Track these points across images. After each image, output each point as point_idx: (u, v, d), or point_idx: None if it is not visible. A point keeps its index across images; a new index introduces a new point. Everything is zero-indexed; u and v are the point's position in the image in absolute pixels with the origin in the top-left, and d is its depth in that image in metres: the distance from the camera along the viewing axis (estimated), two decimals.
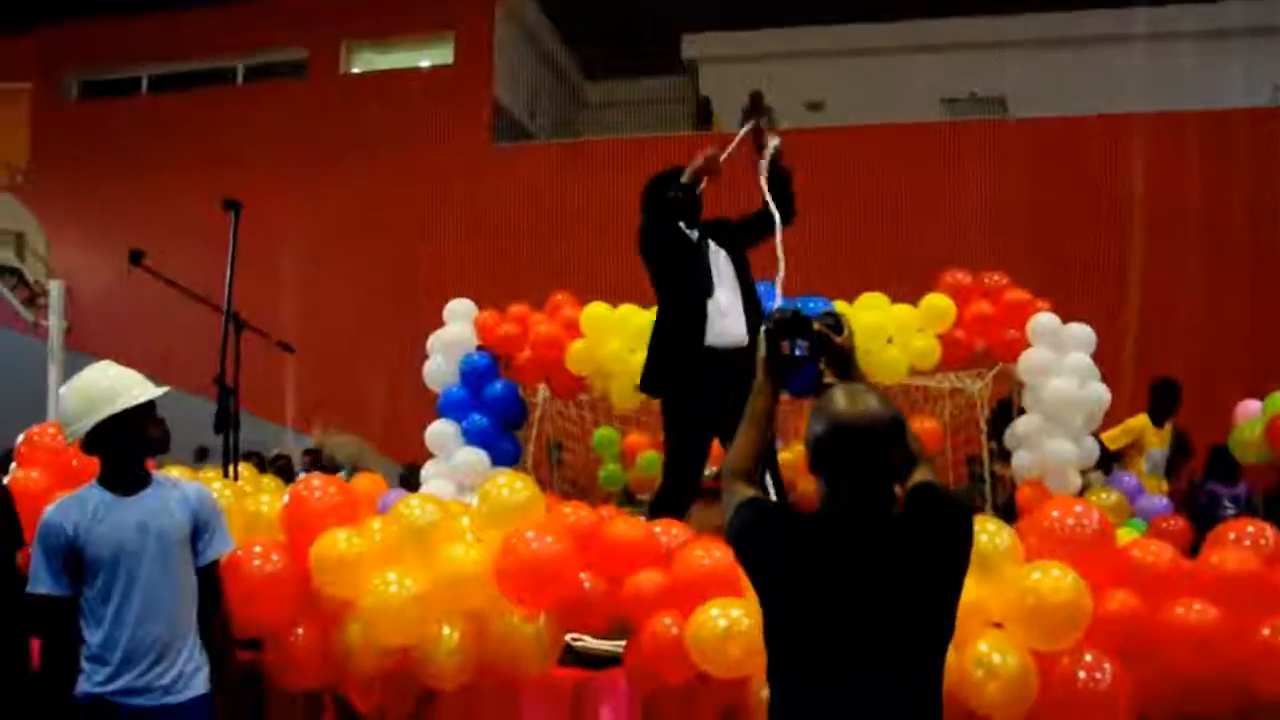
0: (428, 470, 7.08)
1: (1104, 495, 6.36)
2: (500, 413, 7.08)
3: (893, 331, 6.69)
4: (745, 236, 5.11)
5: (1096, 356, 6.54)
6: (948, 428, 7.71)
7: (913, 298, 6.72)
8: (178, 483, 3.29)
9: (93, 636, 3.06)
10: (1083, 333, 6.60)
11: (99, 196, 13.27)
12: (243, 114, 13.29)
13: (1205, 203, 10.33)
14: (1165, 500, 6.56)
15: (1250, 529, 3.52)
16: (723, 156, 4.90)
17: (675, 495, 4.71)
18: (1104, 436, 7.36)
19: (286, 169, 12.63)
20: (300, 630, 3.74)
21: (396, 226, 12.49)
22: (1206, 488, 7.76)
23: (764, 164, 4.99)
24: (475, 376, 7.12)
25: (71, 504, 3.11)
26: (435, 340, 7.32)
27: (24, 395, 10.17)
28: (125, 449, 3.15)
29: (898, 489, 2.43)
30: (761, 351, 2.55)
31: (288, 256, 12.25)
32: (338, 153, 12.87)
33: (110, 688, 3.03)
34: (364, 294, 12.33)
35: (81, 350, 11.91)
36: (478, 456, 6.96)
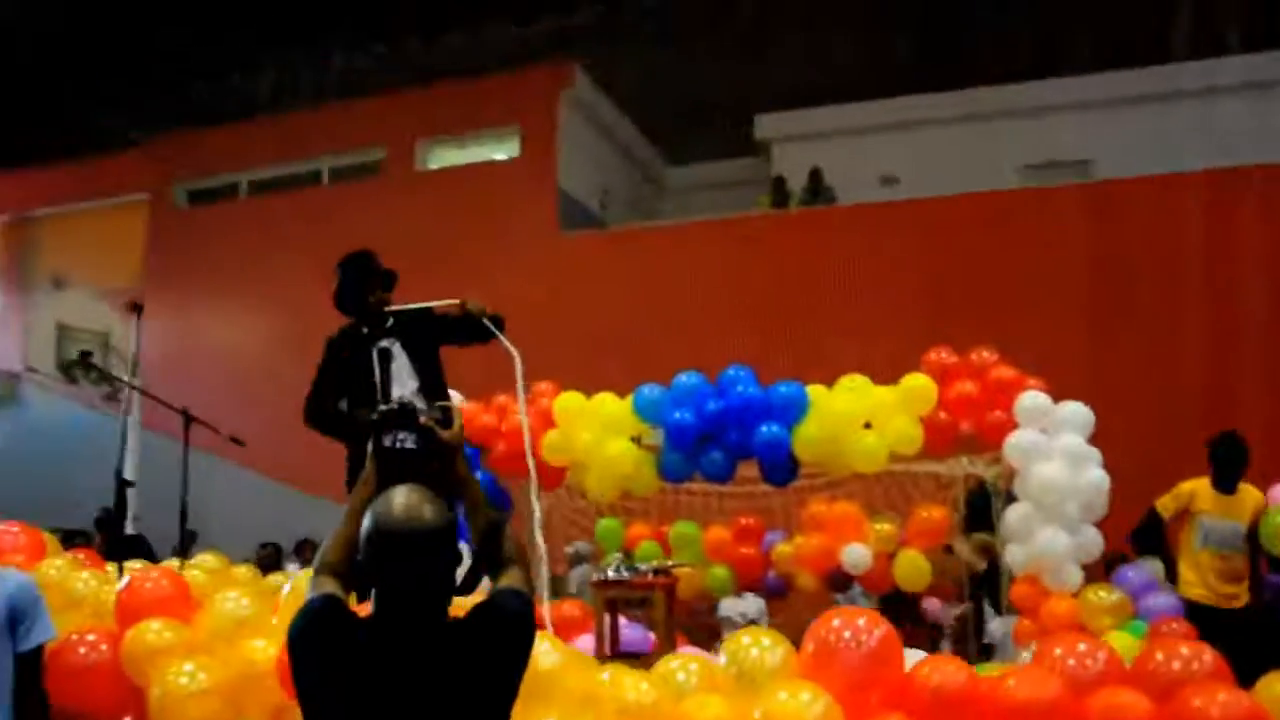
0: None
1: (1102, 594, 5.79)
2: None
3: (870, 415, 6.31)
4: (449, 339, 4.92)
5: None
6: (963, 516, 7.17)
7: None
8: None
9: None
10: (1077, 413, 6.06)
11: (194, 296, 14.12)
12: (328, 213, 13.89)
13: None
14: (1175, 599, 5.86)
15: (1082, 646, 3.04)
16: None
17: None
18: (1157, 503, 6.46)
19: None
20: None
21: None
22: (1272, 579, 6.89)
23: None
24: None
25: None
26: None
27: (104, 471, 11.03)
28: None
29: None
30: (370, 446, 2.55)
31: None
32: (412, 247, 13.25)
33: None
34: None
35: (153, 429, 12.61)
36: (461, 549, 6.88)
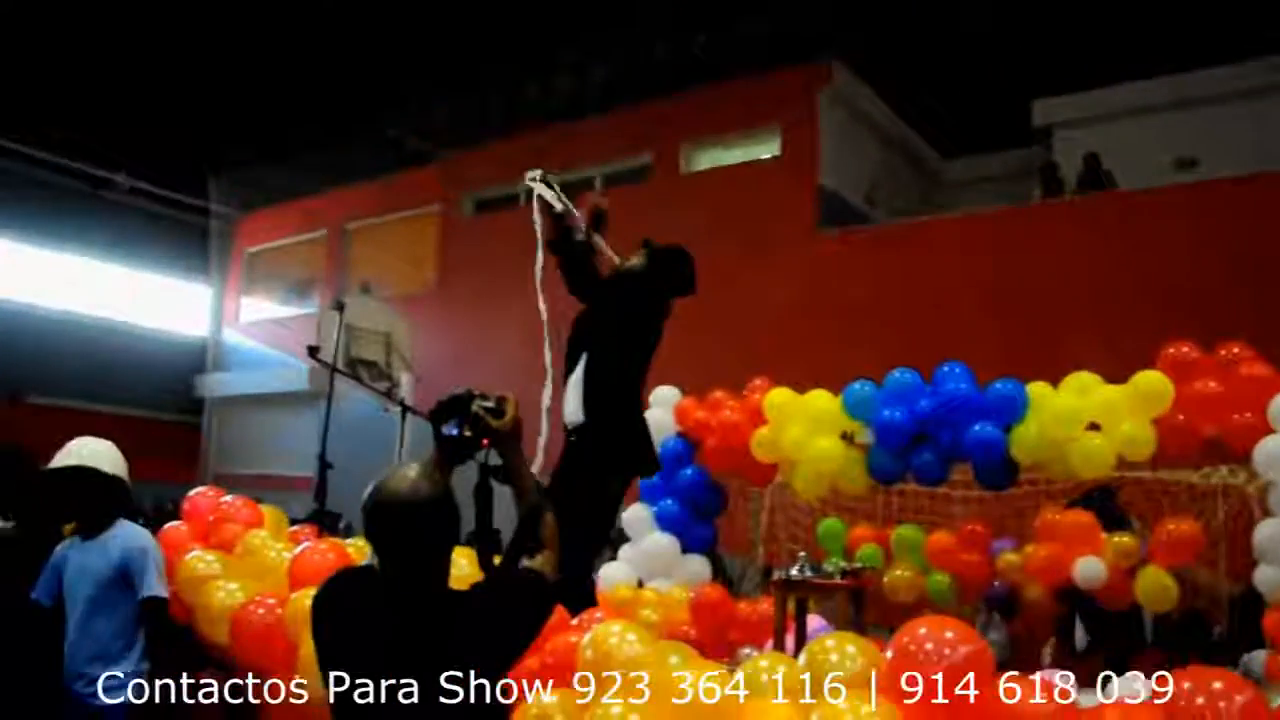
0: (623, 552, 7.19)
1: None
2: (690, 499, 7.04)
3: (1097, 416, 5.78)
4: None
5: None
6: (1222, 533, 6.40)
7: None
8: (124, 532, 3.95)
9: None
10: None
11: (478, 298, 15.10)
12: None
13: None
14: None
15: (1218, 684, 2.54)
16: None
17: None
18: None
19: None
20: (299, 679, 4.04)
21: (726, 314, 12.73)
22: None
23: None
24: (667, 462, 7.14)
25: (67, 543, 4.01)
26: None
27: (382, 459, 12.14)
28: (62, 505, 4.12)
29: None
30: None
31: None
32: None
33: (69, 679, 3.84)
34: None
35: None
36: (667, 542, 6.97)
